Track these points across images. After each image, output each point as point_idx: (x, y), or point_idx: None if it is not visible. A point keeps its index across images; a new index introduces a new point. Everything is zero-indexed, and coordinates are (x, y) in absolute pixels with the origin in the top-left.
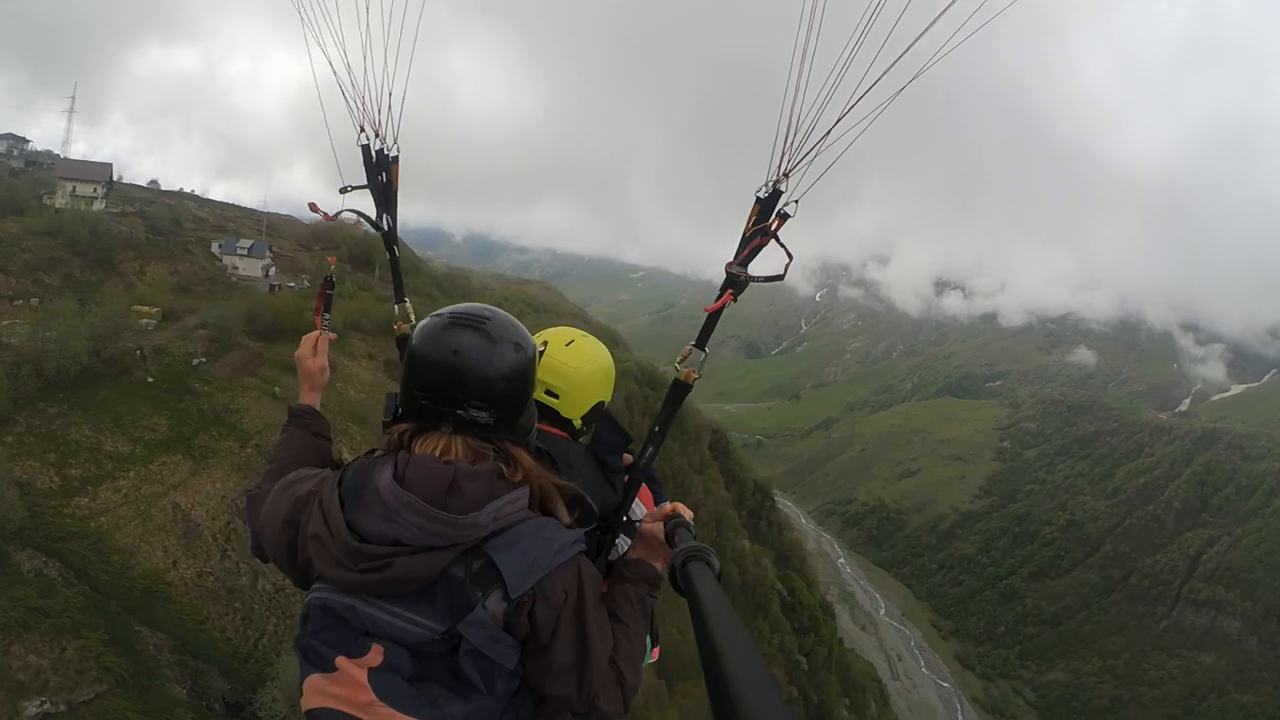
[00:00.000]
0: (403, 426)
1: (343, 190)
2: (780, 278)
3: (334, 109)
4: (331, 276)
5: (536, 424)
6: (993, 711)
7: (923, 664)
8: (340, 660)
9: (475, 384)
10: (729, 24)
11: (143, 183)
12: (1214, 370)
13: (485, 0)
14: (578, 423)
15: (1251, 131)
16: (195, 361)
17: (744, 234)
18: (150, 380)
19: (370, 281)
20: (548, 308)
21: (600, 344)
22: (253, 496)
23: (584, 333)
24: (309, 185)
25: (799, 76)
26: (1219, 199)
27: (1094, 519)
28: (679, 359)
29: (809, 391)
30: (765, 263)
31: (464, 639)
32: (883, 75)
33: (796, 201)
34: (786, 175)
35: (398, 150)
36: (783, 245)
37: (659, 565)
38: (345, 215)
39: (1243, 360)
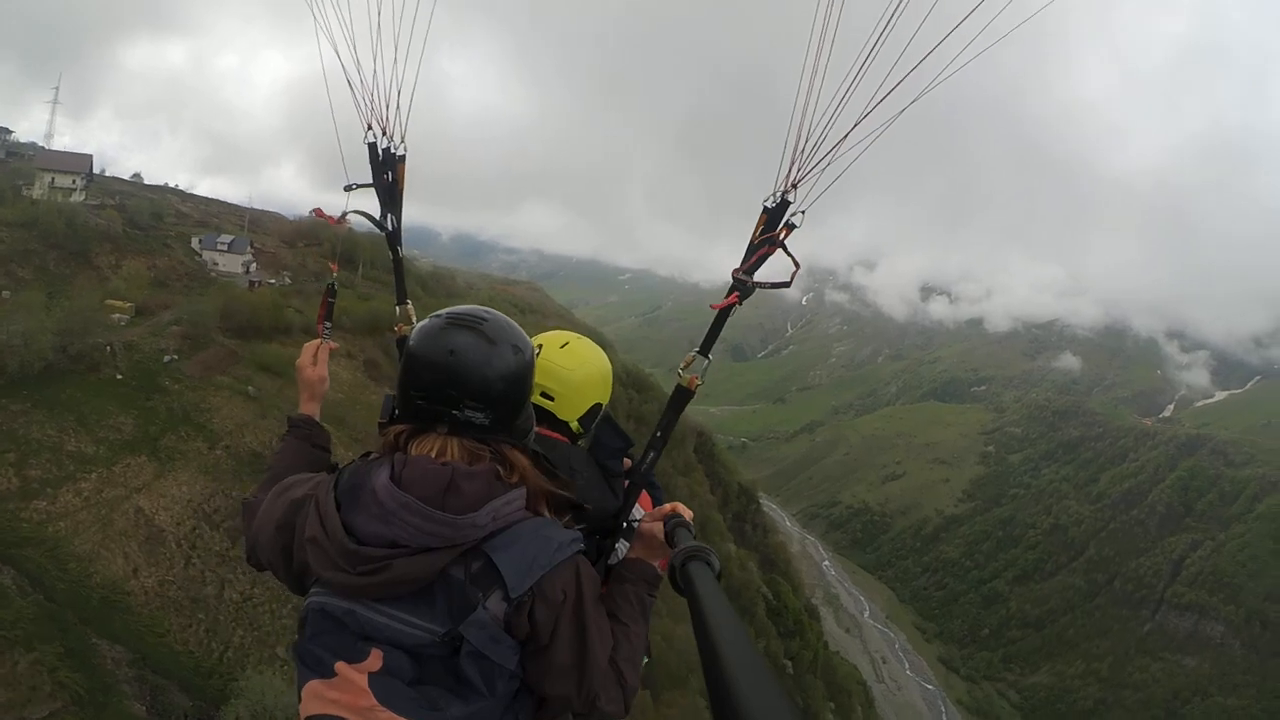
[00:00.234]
0: (399, 428)
1: (347, 188)
2: (787, 285)
3: (326, 105)
4: (334, 284)
5: (535, 428)
6: (977, 714)
7: (907, 666)
8: (340, 665)
9: (471, 384)
10: (723, 28)
11: (126, 176)
12: (1198, 377)
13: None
14: (575, 425)
15: (1240, 141)
16: (166, 358)
17: (751, 242)
18: (119, 377)
19: (353, 279)
20: (535, 309)
21: (596, 346)
22: (248, 505)
23: (579, 335)
24: (295, 183)
25: (809, 87)
26: (1206, 208)
27: (1078, 523)
28: (682, 365)
29: (794, 395)
30: (767, 269)
31: (465, 640)
32: (900, 83)
33: (803, 212)
34: (795, 186)
35: (404, 149)
36: (790, 255)
37: (658, 565)
38: (334, 213)
39: (1226, 367)
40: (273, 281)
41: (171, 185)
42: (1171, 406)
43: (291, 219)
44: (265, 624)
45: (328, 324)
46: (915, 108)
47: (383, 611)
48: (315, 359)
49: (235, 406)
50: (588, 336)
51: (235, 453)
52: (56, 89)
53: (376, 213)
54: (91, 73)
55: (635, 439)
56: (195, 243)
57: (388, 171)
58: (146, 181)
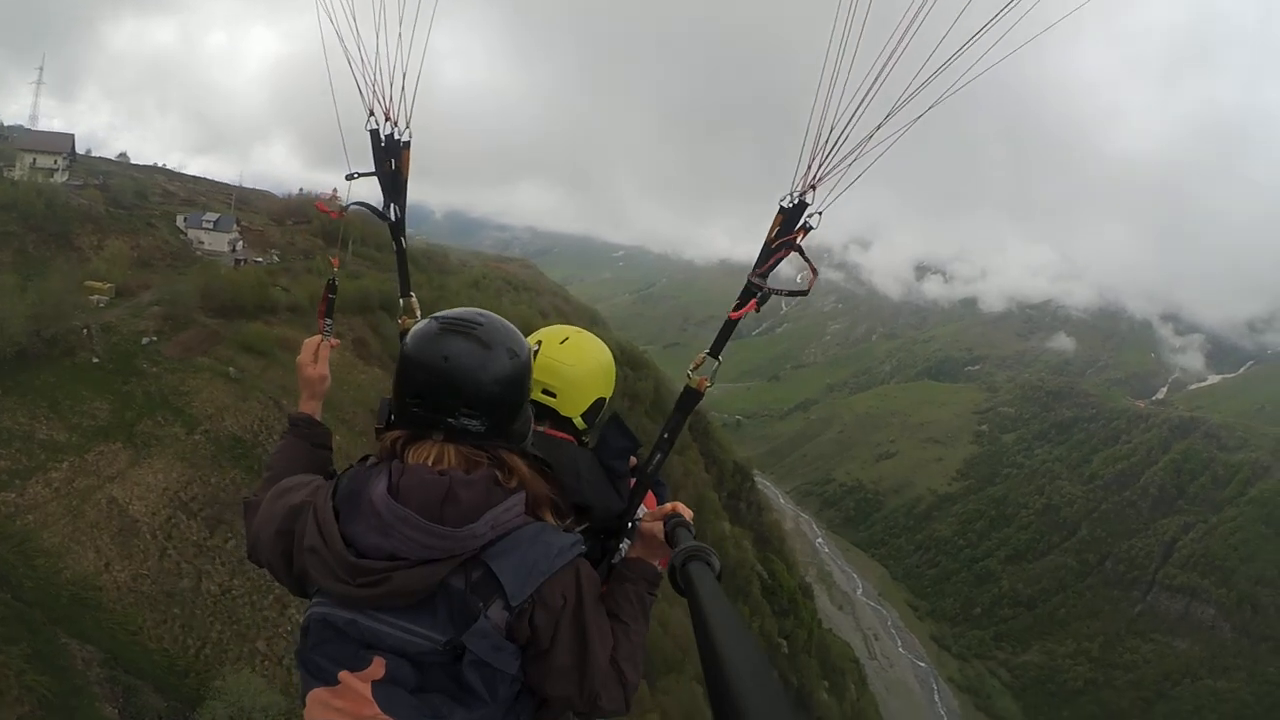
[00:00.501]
0: (395, 433)
1: (349, 177)
2: (804, 293)
3: (318, 83)
4: (334, 280)
5: (544, 428)
6: (968, 691)
7: (899, 644)
8: (343, 675)
9: (466, 392)
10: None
11: (112, 156)
12: (1192, 360)
13: None
14: (578, 421)
15: (1236, 124)
16: (145, 340)
17: (766, 244)
18: (95, 361)
19: (343, 258)
20: (528, 286)
21: (598, 340)
22: (249, 504)
23: (580, 329)
24: (288, 162)
25: (832, 83)
26: (1203, 191)
27: (1070, 504)
28: (692, 366)
29: (788, 373)
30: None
31: (467, 650)
32: (938, 72)
33: (820, 214)
34: (814, 186)
35: (409, 134)
36: (807, 260)
37: (658, 564)
38: (323, 195)
39: (1220, 351)
40: (259, 260)
41: (161, 165)
42: (1165, 389)
43: (281, 197)
44: (245, 617)
45: (329, 321)
46: (897, 74)
47: (384, 620)
48: (316, 356)
49: (216, 389)
50: (581, 314)
51: (214, 437)
52: (40, 69)
53: (376, 201)
54: (78, 54)
55: (628, 415)
56: (180, 221)
57: (391, 159)
58: (136, 162)
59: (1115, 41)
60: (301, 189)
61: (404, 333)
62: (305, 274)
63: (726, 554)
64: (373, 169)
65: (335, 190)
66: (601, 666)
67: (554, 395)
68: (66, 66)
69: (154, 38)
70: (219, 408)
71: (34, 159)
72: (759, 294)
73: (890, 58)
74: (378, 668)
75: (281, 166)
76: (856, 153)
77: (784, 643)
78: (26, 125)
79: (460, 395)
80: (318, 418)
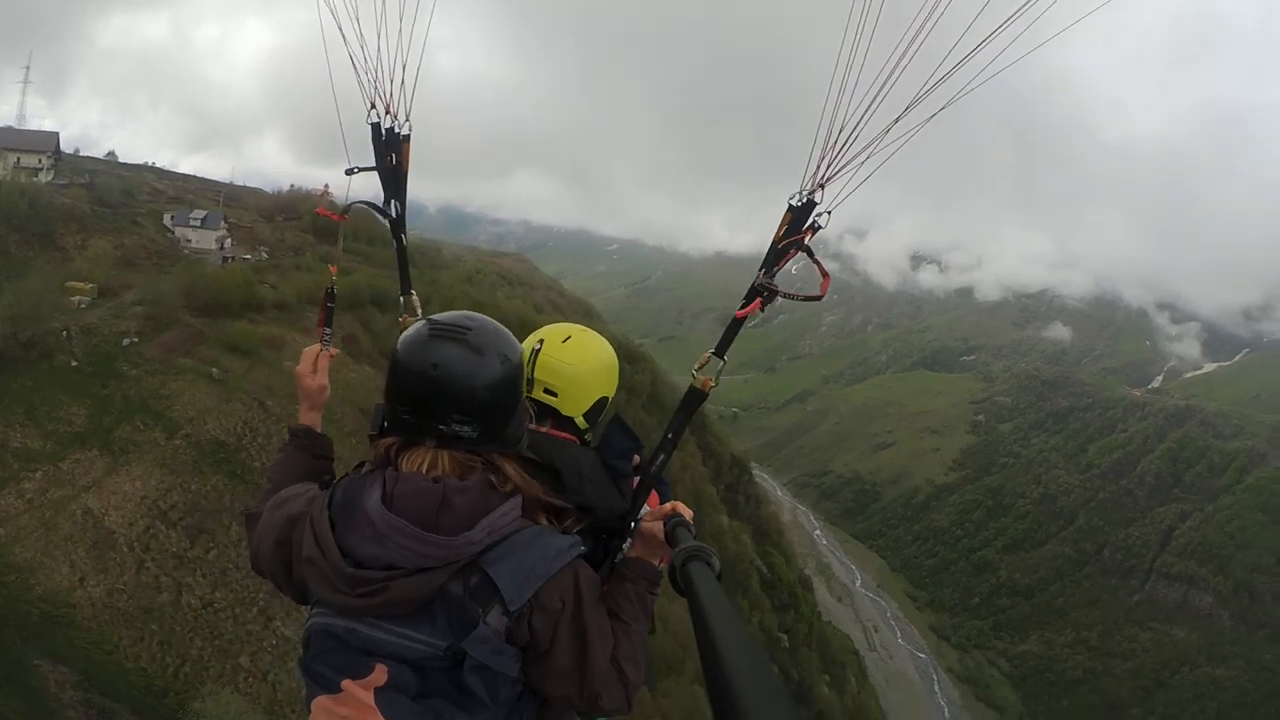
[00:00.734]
0: (389, 440)
1: (349, 172)
2: (818, 298)
3: (311, 77)
4: (333, 289)
5: (546, 428)
6: (968, 682)
7: (899, 635)
8: (346, 682)
9: (456, 398)
10: None
11: (100, 155)
12: (1188, 349)
13: None
14: (580, 421)
15: (1234, 114)
16: (126, 342)
17: (774, 243)
18: (74, 364)
19: (333, 254)
20: (522, 280)
21: (600, 338)
22: (250, 516)
23: (583, 328)
24: (280, 158)
25: (844, 82)
26: (1198, 181)
27: (1067, 493)
28: (696, 366)
29: (785, 364)
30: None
31: (468, 655)
32: (954, 70)
33: (829, 213)
34: (824, 185)
35: (409, 128)
36: (817, 262)
37: (659, 564)
38: (315, 191)
39: (1216, 339)
40: (248, 257)
41: (152, 164)
42: (1160, 378)
43: (272, 193)
44: (227, 631)
45: (328, 330)
46: (909, 74)
47: (384, 628)
48: (315, 367)
49: (198, 391)
50: (576, 307)
51: (196, 442)
52: (27, 69)
53: (375, 197)
54: (67, 52)
55: (625, 409)
56: (168, 219)
57: (391, 153)
58: (127, 160)
59: (1115, 36)
60: (293, 185)
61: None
62: (294, 271)
63: (725, 548)
64: (372, 164)
65: (326, 186)
66: (602, 666)
67: (555, 395)
68: (55, 65)
69: (144, 32)
70: (201, 411)
71: (18, 158)
72: (766, 294)
73: (903, 57)
74: (380, 674)
75: (274, 162)
76: (867, 152)
77: (784, 637)
78: (15, 125)
79: (451, 403)
80: (318, 429)
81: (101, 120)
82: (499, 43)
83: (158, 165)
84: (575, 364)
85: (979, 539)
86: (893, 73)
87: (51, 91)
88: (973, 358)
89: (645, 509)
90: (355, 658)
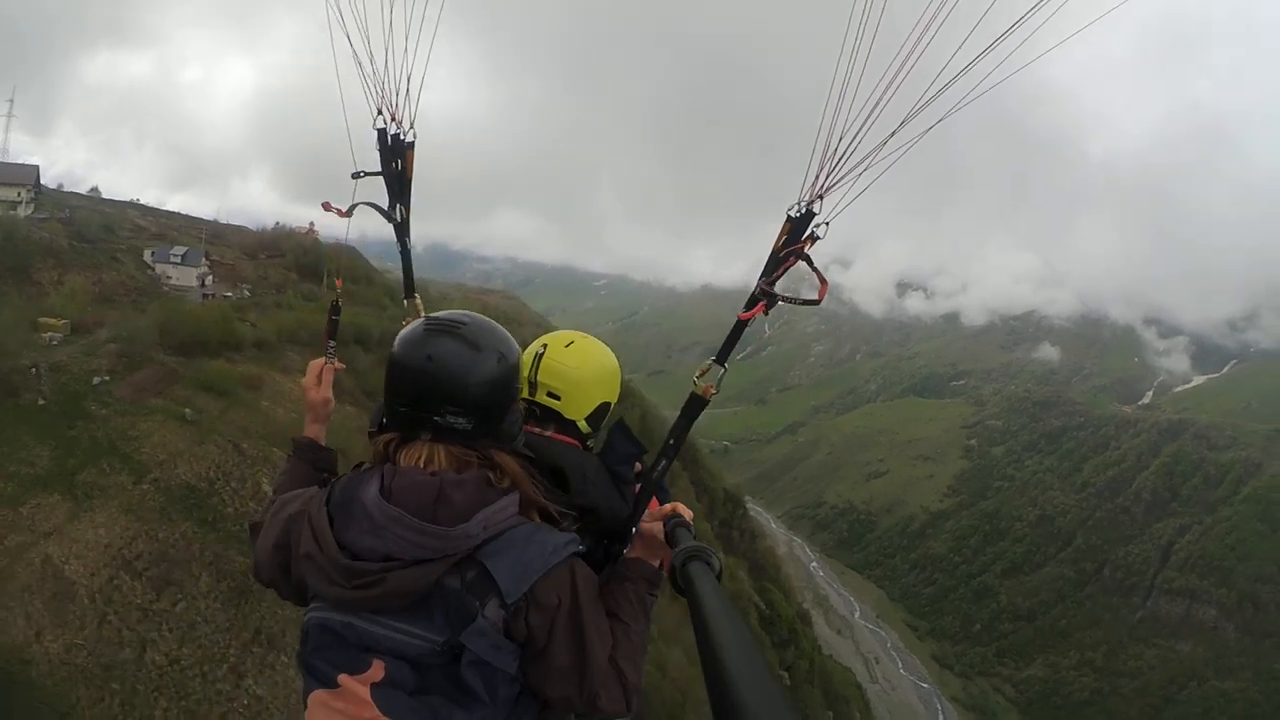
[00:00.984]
0: (387, 437)
1: (355, 175)
2: (816, 302)
3: (295, 115)
4: (338, 302)
5: (550, 432)
6: (973, 710)
7: (900, 665)
8: (343, 678)
9: (449, 390)
10: (698, 19)
11: (83, 190)
12: (1177, 362)
13: None
14: (583, 425)
15: (1215, 125)
16: (96, 380)
17: (773, 252)
18: (41, 403)
19: (317, 292)
20: (510, 318)
21: (603, 345)
22: (253, 525)
23: (586, 335)
24: (265, 196)
25: (842, 93)
26: (1179, 194)
27: (1064, 513)
28: (698, 374)
29: (774, 396)
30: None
31: (466, 649)
32: (963, 70)
33: (827, 224)
34: (822, 196)
35: (414, 135)
36: (815, 269)
37: (658, 564)
38: (299, 228)
39: (1204, 352)
40: (229, 295)
41: (137, 200)
42: (1151, 393)
43: (255, 230)
44: (195, 690)
45: (332, 344)
46: (908, 83)
47: (381, 623)
48: (320, 380)
49: (169, 432)
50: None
51: (164, 486)
52: (10, 102)
53: (377, 202)
54: (53, 89)
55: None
56: (148, 255)
57: (396, 159)
58: (110, 197)
59: (1100, 48)
60: (278, 222)
61: None
62: (275, 309)
63: (722, 585)
64: (378, 169)
65: (312, 224)
66: (601, 666)
67: (559, 398)
68: (41, 103)
69: (129, 70)
70: (171, 454)
71: None
72: (767, 299)
73: (903, 66)
74: (377, 670)
75: (259, 200)
76: (866, 163)
77: (786, 674)
78: None
79: (443, 394)
80: (322, 441)
81: (88, 159)
82: (482, 78)
83: (142, 202)
84: (578, 367)
85: (977, 564)
86: (892, 84)
87: (38, 130)
88: (962, 382)
89: (647, 513)
90: (353, 653)
